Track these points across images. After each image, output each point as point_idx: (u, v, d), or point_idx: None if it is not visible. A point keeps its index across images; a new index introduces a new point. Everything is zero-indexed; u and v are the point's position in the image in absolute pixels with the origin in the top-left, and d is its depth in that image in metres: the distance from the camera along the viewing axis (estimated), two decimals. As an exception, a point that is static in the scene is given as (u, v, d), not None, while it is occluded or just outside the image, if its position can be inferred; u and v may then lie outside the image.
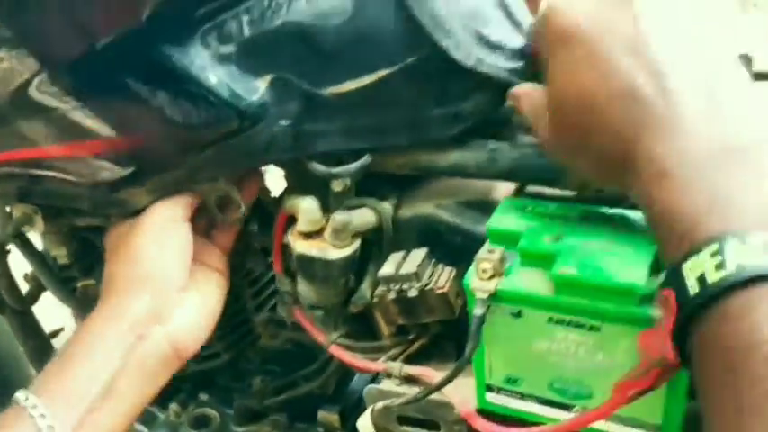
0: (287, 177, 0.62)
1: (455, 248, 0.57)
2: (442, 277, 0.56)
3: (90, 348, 0.54)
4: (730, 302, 0.34)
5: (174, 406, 0.81)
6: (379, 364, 0.60)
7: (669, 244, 0.39)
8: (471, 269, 0.51)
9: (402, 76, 0.53)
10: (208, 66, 0.52)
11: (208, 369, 0.78)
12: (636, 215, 0.51)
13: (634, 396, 0.45)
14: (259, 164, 0.58)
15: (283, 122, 0.55)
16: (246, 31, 0.52)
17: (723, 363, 0.35)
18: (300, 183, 0.59)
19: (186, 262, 0.59)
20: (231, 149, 0.56)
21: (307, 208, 0.57)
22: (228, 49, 0.53)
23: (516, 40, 0.56)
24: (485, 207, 0.57)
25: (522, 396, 0.54)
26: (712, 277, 0.35)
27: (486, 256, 0.50)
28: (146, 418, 0.82)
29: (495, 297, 0.50)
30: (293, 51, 0.53)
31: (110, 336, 0.55)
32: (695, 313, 0.36)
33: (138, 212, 0.61)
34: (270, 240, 0.63)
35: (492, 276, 0.50)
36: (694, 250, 0.36)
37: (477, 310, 0.49)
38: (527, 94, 0.49)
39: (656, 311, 0.45)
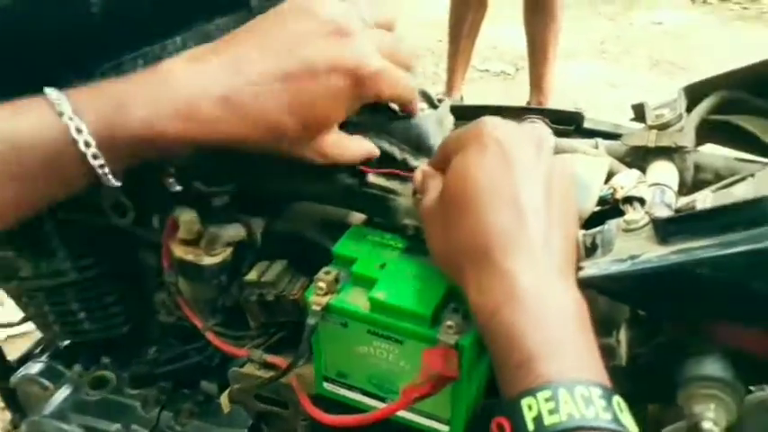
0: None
1: (313, 262, 0.68)
2: (297, 286, 0.68)
3: None
4: None
5: (77, 367, 0.91)
6: (243, 351, 0.71)
7: (504, 367, 0.47)
8: (311, 285, 0.62)
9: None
10: (105, 97, 0.62)
11: (111, 336, 0.89)
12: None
13: (416, 399, 0.57)
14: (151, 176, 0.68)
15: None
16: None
17: None
18: (186, 195, 0.69)
19: None
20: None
21: (186, 219, 0.67)
22: (124, 85, 0.62)
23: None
24: (342, 228, 0.69)
25: (350, 387, 0.66)
26: (547, 420, 0.43)
27: (323, 277, 0.61)
28: (53, 375, 0.93)
29: (327, 309, 0.61)
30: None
31: None
32: None
33: None
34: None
35: (326, 293, 0.61)
36: (531, 390, 0.44)
37: (310, 320, 0.61)
38: (429, 174, 0.59)
39: (439, 334, 0.57)
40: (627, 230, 0.54)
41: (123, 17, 0.58)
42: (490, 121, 0.55)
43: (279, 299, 0.67)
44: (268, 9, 0.60)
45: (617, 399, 0.45)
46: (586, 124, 0.82)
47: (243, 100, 0.54)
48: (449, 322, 0.56)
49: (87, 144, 0.51)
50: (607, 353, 0.54)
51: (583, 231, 0.57)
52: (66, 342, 0.97)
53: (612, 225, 0.55)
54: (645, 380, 0.57)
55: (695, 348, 0.53)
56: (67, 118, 0.51)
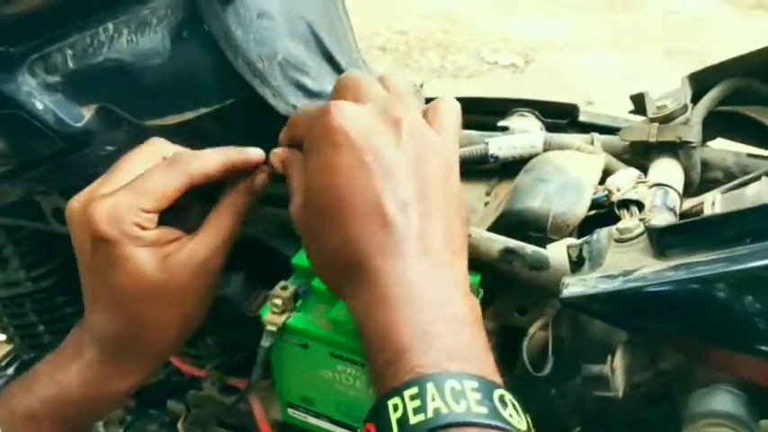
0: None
1: (274, 273, 0.62)
2: (257, 302, 0.61)
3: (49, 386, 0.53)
4: None
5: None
6: (202, 371, 0.65)
7: (376, 370, 0.43)
8: (267, 303, 0.55)
9: (222, 114, 0.57)
10: (35, 93, 0.55)
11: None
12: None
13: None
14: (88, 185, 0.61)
15: (109, 148, 0.58)
16: (71, 64, 0.55)
17: None
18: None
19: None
20: (62, 169, 0.59)
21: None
22: (55, 78, 0.55)
23: (335, 85, 0.59)
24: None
25: (317, 414, 0.59)
26: (413, 419, 0.38)
27: (279, 293, 0.54)
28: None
29: (285, 329, 0.54)
30: (116, 85, 0.56)
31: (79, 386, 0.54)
32: None
33: None
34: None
35: (283, 311, 0.54)
36: (396, 389, 0.40)
37: (264, 342, 0.54)
38: (289, 160, 0.52)
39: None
40: (619, 241, 0.47)
41: (45, 2, 0.51)
42: (337, 111, 0.46)
43: (236, 316, 0.60)
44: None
45: (500, 392, 0.39)
46: (582, 117, 0.74)
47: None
48: (417, 346, 0.49)
49: None
50: (600, 383, 0.47)
51: (570, 241, 0.50)
52: (32, 355, 0.91)
53: (603, 235, 0.48)
54: (645, 412, 0.50)
55: (702, 378, 0.46)
56: None
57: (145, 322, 0.53)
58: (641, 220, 0.48)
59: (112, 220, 0.50)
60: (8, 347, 0.99)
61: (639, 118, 0.71)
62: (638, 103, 0.70)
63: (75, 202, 0.52)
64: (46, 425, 0.53)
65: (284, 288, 0.55)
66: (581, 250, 0.47)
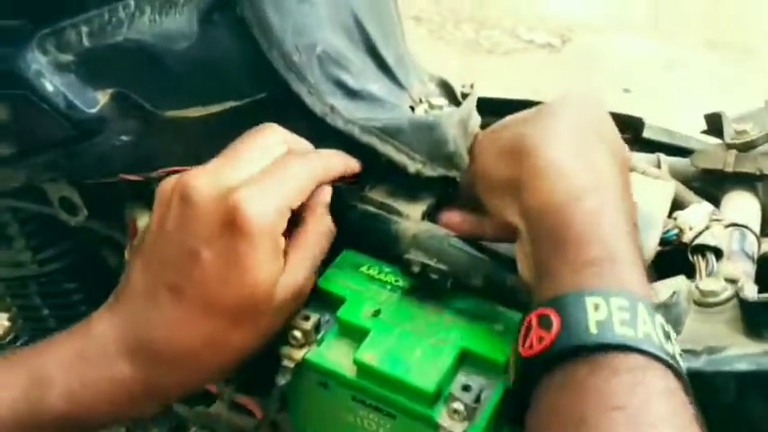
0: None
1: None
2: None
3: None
4: (623, 359, 0.35)
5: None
6: (212, 386, 0.59)
7: (568, 261, 0.39)
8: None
9: (251, 110, 0.51)
10: (45, 72, 0.49)
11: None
12: (464, 298, 0.50)
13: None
14: (100, 175, 0.55)
15: (124, 138, 0.52)
16: (86, 42, 0.49)
17: (577, 409, 0.34)
18: (145, 196, 0.56)
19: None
20: (71, 157, 0.53)
21: (143, 225, 0.55)
22: (67, 57, 0.49)
23: (380, 86, 0.53)
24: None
25: (335, 459, 0.53)
26: (618, 329, 0.35)
27: (299, 324, 0.48)
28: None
29: (303, 365, 0.48)
30: (135, 69, 0.50)
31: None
32: (582, 350, 0.35)
33: None
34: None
35: (303, 345, 0.48)
36: (602, 290, 0.36)
37: (281, 379, 0.48)
38: None
39: (442, 419, 0.44)
40: (701, 305, 0.40)
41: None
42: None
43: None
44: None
45: None
46: (647, 133, 0.66)
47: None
48: (455, 404, 0.43)
49: None
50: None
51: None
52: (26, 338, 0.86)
53: (682, 295, 0.41)
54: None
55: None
56: None
57: (224, 338, 0.45)
58: (728, 281, 0.41)
59: (263, 213, 0.43)
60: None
61: (712, 139, 0.64)
62: (714, 124, 0.62)
63: (206, 187, 0.44)
64: None
65: (305, 318, 0.48)
66: (657, 314, 0.40)
